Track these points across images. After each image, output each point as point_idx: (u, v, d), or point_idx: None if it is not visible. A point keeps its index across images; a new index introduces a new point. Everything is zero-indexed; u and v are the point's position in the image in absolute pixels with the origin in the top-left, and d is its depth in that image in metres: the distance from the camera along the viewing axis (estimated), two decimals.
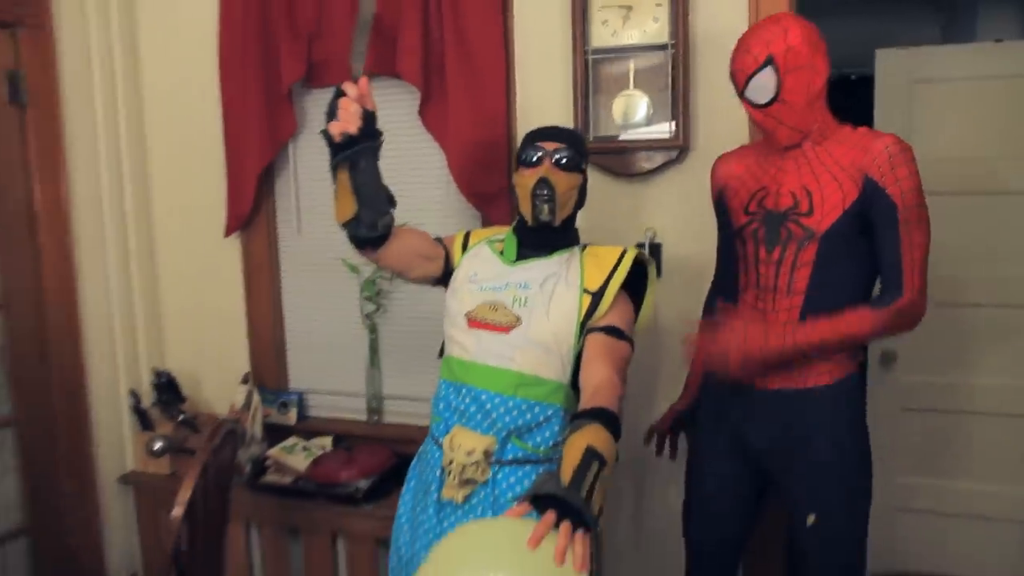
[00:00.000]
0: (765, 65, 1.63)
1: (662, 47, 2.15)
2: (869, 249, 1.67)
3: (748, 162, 1.83)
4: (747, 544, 1.93)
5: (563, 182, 1.68)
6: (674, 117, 2.16)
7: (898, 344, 2.71)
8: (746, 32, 1.70)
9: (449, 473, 1.66)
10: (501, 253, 1.78)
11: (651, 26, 2.16)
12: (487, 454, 1.64)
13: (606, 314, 1.65)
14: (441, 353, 1.81)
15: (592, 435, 1.35)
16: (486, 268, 1.75)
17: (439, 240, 1.85)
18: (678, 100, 2.15)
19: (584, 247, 1.76)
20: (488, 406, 1.65)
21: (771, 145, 1.76)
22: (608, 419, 1.40)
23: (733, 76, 1.70)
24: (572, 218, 1.76)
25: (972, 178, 2.58)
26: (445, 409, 1.72)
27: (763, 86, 1.65)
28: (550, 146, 1.69)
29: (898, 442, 2.75)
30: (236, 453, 2.19)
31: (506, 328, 1.65)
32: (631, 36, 2.17)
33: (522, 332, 1.64)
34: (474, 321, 1.69)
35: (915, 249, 1.62)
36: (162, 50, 2.75)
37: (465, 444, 1.64)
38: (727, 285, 1.85)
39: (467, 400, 1.68)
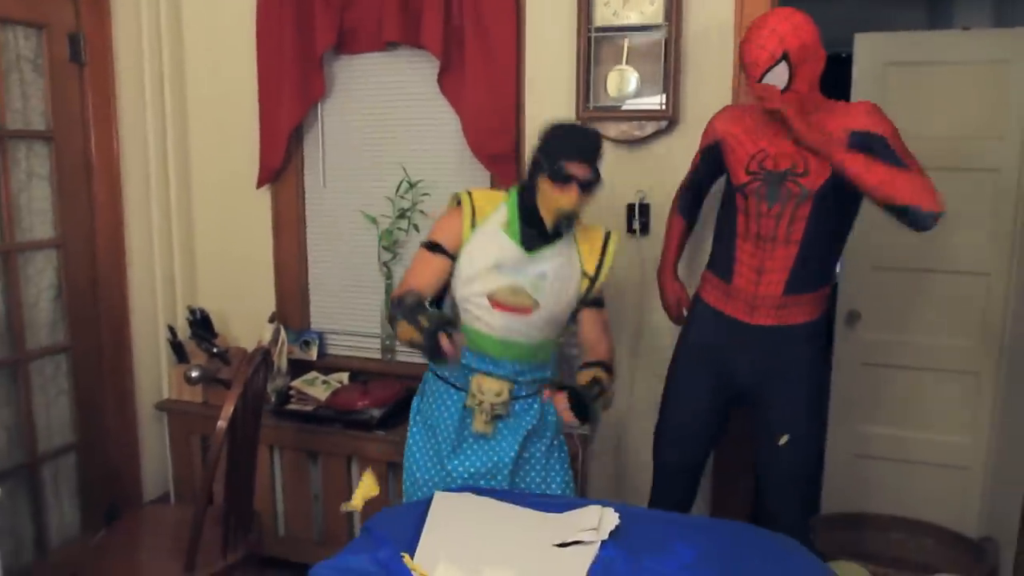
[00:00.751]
0: (780, 60, 1.88)
1: (657, 27, 2.40)
2: (850, 203, 1.97)
3: (745, 124, 2.07)
4: (704, 467, 2.24)
5: (583, 204, 1.88)
6: (665, 91, 2.41)
7: (862, 304, 2.97)
8: (756, 26, 1.91)
9: (479, 411, 1.97)
10: (518, 239, 1.93)
11: (648, 8, 2.40)
12: (511, 392, 1.98)
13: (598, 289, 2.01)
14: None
15: (597, 372, 1.98)
16: (507, 255, 1.91)
17: (441, 251, 1.95)
18: (669, 75, 2.40)
19: (572, 226, 1.98)
20: (508, 366, 1.98)
21: (766, 112, 2.00)
22: (606, 366, 2.00)
23: (745, 67, 1.94)
24: None
25: (936, 155, 2.80)
26: (475, 365, 1.99)
27: (777, 79, 1.90)
28: (580, 172, 1.82)
29: (857, 394, 3.02)
30: (267, 382, 2.44)
31: (528, 310, 1.92)
32: (630, 16, 2.42)
33: (541, 315, 1.93)
34: (498, 304, 1.91)
35: (915, 162, 1.87)
36: (204, 14, 2.97)
37: (493, 387, 1.96)
38: (727, 232, 2.09)
39: (488, 363, 1.97)
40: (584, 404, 1.91)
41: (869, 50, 2.87)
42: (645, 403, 2.61)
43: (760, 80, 1.92)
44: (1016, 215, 2.79)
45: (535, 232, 1.92)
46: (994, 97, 2.76)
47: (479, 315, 1.95)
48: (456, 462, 2.00)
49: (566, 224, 1.90)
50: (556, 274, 1.92)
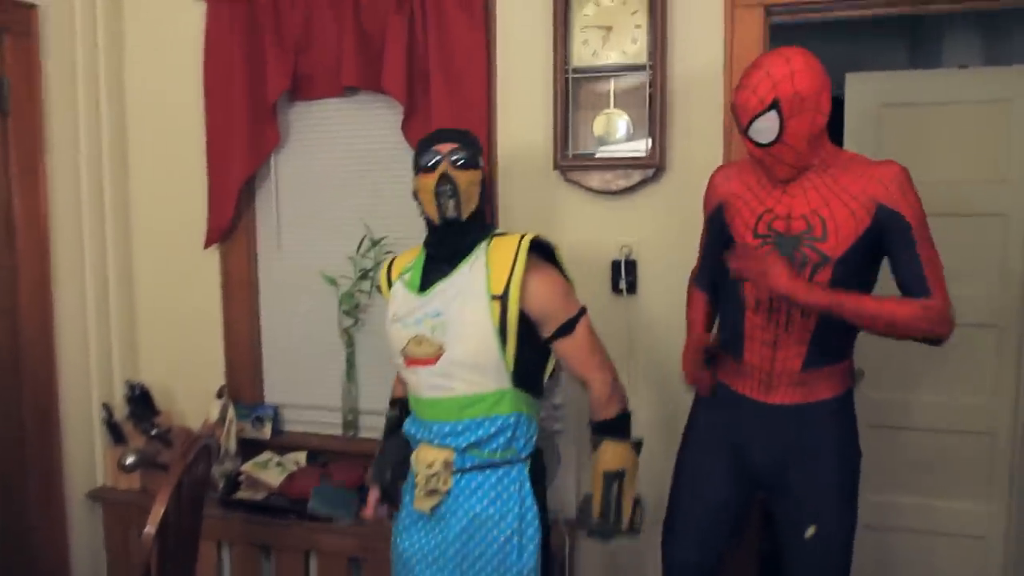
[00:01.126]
0: (770, 109, 1.65)
1: (640, 67, 2.21)
2: (872, 271, 1.75)
3: (748, 181, 1.83)
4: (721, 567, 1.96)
5: (464, 178, 1.73)
6: (651, 136, 2.21)
7: (866, 361, 2.76)
8: (752, 67, 1.70)
9: (416, 486, 1.78)
10: (412, 285, 1.81)
11: (630, 47, 2.21)
12: (446, 464, 1.75)
13: (541, 309, 1.72)
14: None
15: (605, 457, 1.74)
16: (402, 305, 1.79)
17: None
18: (655, 119, 2.20)
19: (491, 239, 1.76)
20: (438, 429, 1.76)
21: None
22: (612, 427, 1.76)
23: (735, 111, 1.72)
24: (479, 213, 1.78)
25: (936, 200, 2.64)
26: (414, 432, 1.84)
27: (766, 128, 1.67)
28: (445, 148, 1.74)
29: (863, 458, 2.78)
30: (210, 469, 2.17)
31: (433, 359, 1.72)
32: (610, 56, 2.23)
33: (448, 358, 1.71)
34: (409, 359, 1.76)
35: (934, 264, 1.68)
36: (147, 60, 2.75)
37: (425, 458, 1.77)
38: (733, 304, 1.84)
39: (422, 430, 1.80)
40: (609, 535, 1.76)
41: (861, 91, 2.71)
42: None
43: (747, 130, 1.70)
44: None
45: (437, 264, 1.77)
46: (995, 138, 2.61)
47: (403, 377, 1.84)
48: (406, 541, 1.84)
49: (452, 206, 1.71)
50: (450, 307, 1.71)
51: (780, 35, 2.21)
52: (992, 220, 2.63)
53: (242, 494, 2.49)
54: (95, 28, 2.67)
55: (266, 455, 2.62)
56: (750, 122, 1.68)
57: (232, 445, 2.60)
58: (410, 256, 1.87)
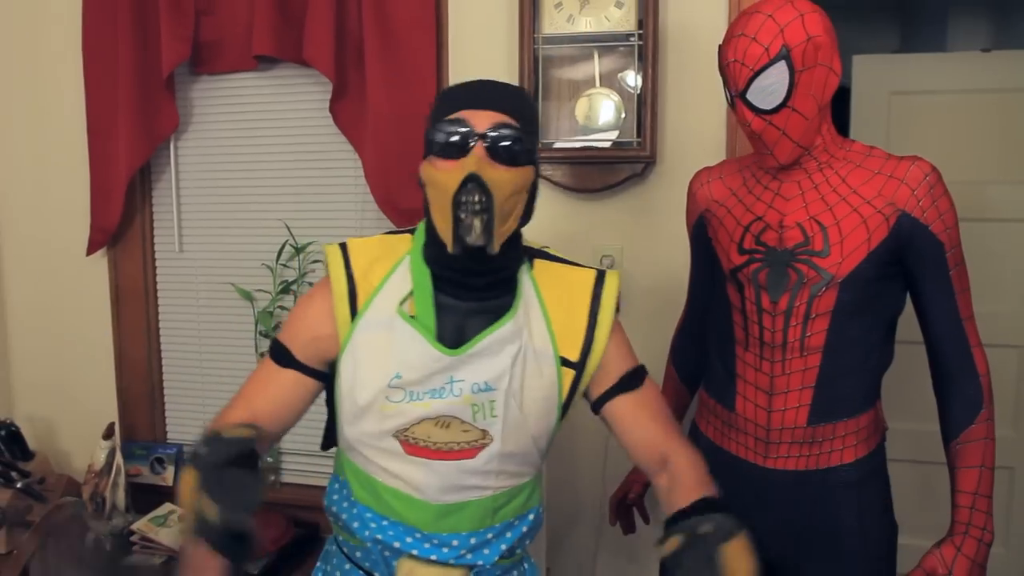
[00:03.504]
0: (778, 59, 1.25)
1: (626, 37, 1.80)
2: (893, 295, 1.37)
3: (733, 184, 1.47)
4: None
5: (506, 181, 1.09)
6: (639, 122, 1.81)
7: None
8: (744, 15, 1.30)
9: None
10: (426, 329, 1.15)
11: (613, 12, 1.80)
12: None
13: (604, 365, 1.22)
14: (326, 446, 1.29)
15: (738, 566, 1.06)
16: (412, 359, 1.13)
17: (294, 363, 1.19)
18: (645, 102, 1.79)
19: (531, 265, 1.22)
20: (456, 544, 1.19)
21: (761, 163, 1.40)
22: (714, 503, 1.15)
23: (728, 70, 1.31)
24: (515, 237, 1.18)
25: (956, 202, 2.33)
26: (376, 542, 1.20)
27: (771, 87, 1.27)
28: (483, 119, 1.09)
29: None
30: (83, 539, 1.72)
31: (471, 452, 1.15)
32: (589, 23, 1.81)
33: (494, 452, 1.16)
34: (416, 447, 1.15)
35: (966, 300, 1.35)
36: (13, 27, 2.28)
37: None
38: (721, 337, 1.48)
39: (419, 541, 1.19)
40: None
41: (869, 76, 2.37)
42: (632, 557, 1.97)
43: (746, 92, 1.29)
44: None
45: (457, 294, 1.15)
46: (1021, 133, 2.29)
47: (387, 467, 1.17)
48: None
49: (479, 229, 1.07)
50: (506, 378, 1.13)
51: None
52: (1019, 226, 2.31)
53: (135, 558, 2.03)
54: None
55: (166, 507, 2.16)
56: (750, 80, 1.27)
57: (121, 498, 2.13)
58: (386, 251, 1.19)
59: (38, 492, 2.10)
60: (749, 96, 1.29)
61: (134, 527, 2.08)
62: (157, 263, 2.28)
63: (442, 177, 1.09)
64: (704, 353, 1.56)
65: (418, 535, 1.18)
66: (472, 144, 1.09)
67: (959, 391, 1.36)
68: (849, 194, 1.32)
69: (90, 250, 2.22)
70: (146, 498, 2.20)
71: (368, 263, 1.17)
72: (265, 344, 2.16)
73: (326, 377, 1.20)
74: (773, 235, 1.36)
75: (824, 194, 1.34)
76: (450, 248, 1.10)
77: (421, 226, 1.20)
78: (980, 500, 1.35)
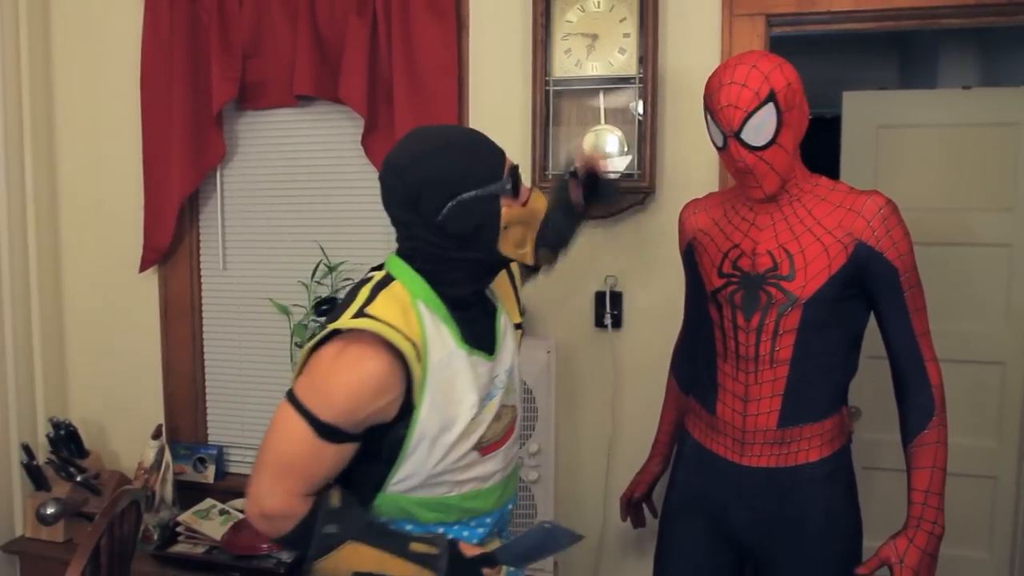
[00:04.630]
0: (767, 101, 1.43)
1: (628, 80, 2.00)
2: (855, 314, 1.54)
3: (715, 215, 1.64)
4: None
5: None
6: (640, 156, 2.00)
7: (861, 399, 2.57)
8: (729, 65, 1.48)
9: None
10: (477, 347, 1.29)
11: (617, 58, 2.00)
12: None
13: None
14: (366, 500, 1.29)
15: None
16: (482, 378, 1.28)
17: (347, 437, 1.19)
18: (645, 138, 1.98)
19: None
20: (502, 508, 1.38)
21: (744, 196, 1.58)
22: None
23: (722, 114, 1.46)
24: None
25: (938, 229, 2.49)
26: (467, 536, 1.33)
27: (762, 125, 1.44)
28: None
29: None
30: (139, 524, 1.91)
31: (512, 428, 1.36)
32: (595, 67, 2.01)
33: (519, 416, 1.41)
34: (487, 447, 1.29)
35: (921, 318, 1.51)
36: (78, 62, 2.49)
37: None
38: (705, 349, 1.66)
39: (478, 529, 1.34)
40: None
41: (859, 110, 2.53)
42: (623, 542, 2.14)
43: (740, 132, 1.44)
44: None
45: (472, 314, 1.30)
46: (1000, 163, 2.44)
47: (462, 479, 1.28)
48: None
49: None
50: (513, 357, 1.38)
51: (773, 51, 2.01)
52: (997, 251, 2.46)
53: (180, 547, 2.22)
54: (18, 27, 2.39)
55: (208, 502, 2.35)
56: (744, 120, 1.43)
57: (168, 493, 2.32)
58: (404, 310, 1.22)
59: (94, 485, 2.31)
60: (743, 135, 1.45)
61: (180, 519, 2.28)
62: (203, 280, 2.47)
63: (534, 205, 1.29)
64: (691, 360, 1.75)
65: (487, 520, 1.33)
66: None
67: (913, 400, 1.52)
68: (813, 225, 1.50)
69: (142, 267, 2.42)
70: (190, 494, 2.39)
71: (402, 320, 1.20)
72: (299, 354, 2.34)
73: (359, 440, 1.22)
74: (747, 261, 1.54)
75: (792, 224, 1.51)
76: (531, 261, 1.32)
77: (405, 272, 1.26)
78: (931, 497, 1.50)
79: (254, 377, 2.46)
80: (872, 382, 2.53)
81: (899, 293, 1.48)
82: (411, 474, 1.23)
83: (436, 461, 1.23)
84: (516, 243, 1.27)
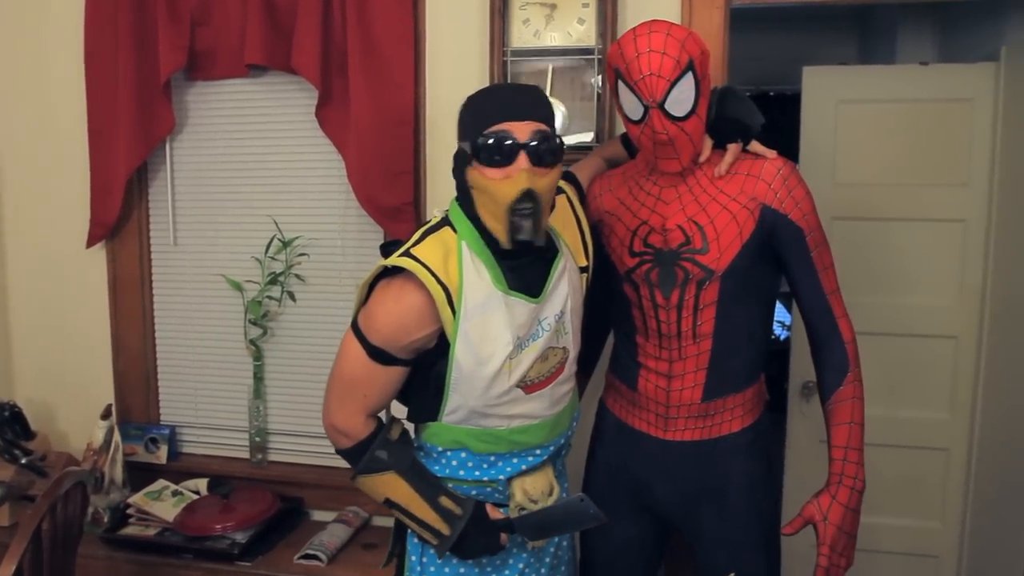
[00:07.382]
0: (687, 70, 1.40)
1: (587, 51, 1.96)
2: (768, 278, 1.54)
3: (620, 194, 1.59)
4: None
5: (548, 184, 1.29)
6: (599, 130, 1.97)
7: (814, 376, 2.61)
8: (642, 33, 1.41)
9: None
10: (517, 290, 1.36)
11: (576, 28, 1.97)
12: (552, 485, 1.50)
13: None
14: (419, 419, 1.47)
15: None
16: (520, 320, 1.35)
17: (397, 361, 1.38)
18: (603, 111, 1.96)
19: None
20: (555, 442, 1.50)
21: (647, 171, 1.55)
22: None
23: (644, 83, 1.39)
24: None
25: (894, 204, 2.51)
26: (509, 470, 1.45)
27: (684, 95, 1.41)
28: (523, 129, 1.26)
29: (813, 475, 2.61)
30: (86, 506, 1.86)
31: (561, 368, 1.44)
32: (554, 38, 1.98)
33: (571, 357, 1.47)
34: (532, 386, 1.39)
35: (829, 276, 1.51)
36: (18, 30, 2.39)
37: (540, 486, 1.46)
38: (623, 328, 1.63)
39: (524, 457, 1.46)
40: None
41: (819, 86, 2.53)
42: None
43: (664, 102, 1.39)
44: (985, 271, 2.47)
45: (520, 261, 1.35)
46: (956, 139, 2.46)
47: (510, 413, 1.40)
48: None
49: (531, 227, 1.28)
50: (568, 301, 1.42)
51: (733, 26, 1.99)
52: (952, 226, 2.49)
53: (130, 530, 2.18)
54: None
55: (160, 483, 2.30)
56: (668, 90, 1.39)
57: (119, 474, 2.26)
58: (443, 247, 1.34)
59: (40, 468, 2.23)
60: (667, 106, 1.40)
61: (130, 500, 2.22)
62: (153, 256, 2.40)
63: (495, 187, 1.27)
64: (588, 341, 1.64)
65: (525, 453, 1.44)
66: (517, 151, 1.26)
67: (828, 357, 1.52)
68: (717, 194, 1.48)
69: (89, 243, 2.34)
70: (141, 475, 2.33)
71: (442, 264, 1.32)
72: (254, 331, 2.30)
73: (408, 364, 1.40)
74: (658, 237, 1.51)
75: (697, 195, 1.50)
76: (506, 245, 1.32)
77: (458, 214, 1.37)
78: (851, 452, 1.50)
79: (207, 355, 2.41)
80: None
81: (806, 252, 1.48)
82: (458, 406, 1.37)
83: (478, 395, 1.35)
84: (492, 216, 1.31)
